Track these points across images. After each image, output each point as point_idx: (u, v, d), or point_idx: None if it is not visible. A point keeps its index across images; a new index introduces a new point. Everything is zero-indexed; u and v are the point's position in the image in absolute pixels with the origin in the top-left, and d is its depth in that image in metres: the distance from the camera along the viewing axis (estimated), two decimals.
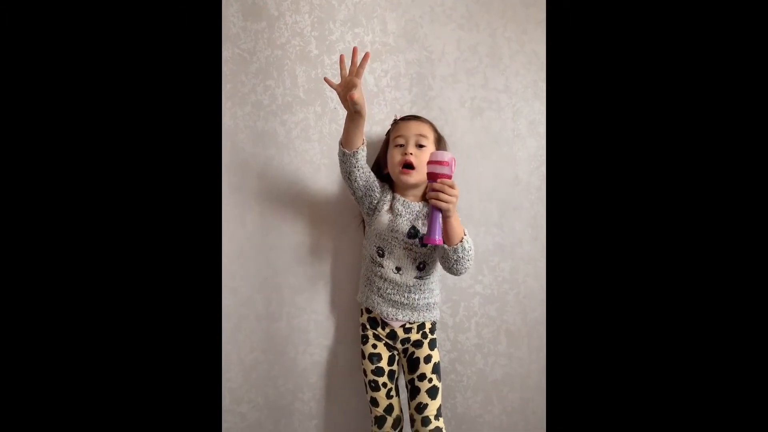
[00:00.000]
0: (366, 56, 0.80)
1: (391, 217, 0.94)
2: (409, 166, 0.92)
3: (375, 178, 0.95)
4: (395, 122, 1.00)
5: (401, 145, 0.94)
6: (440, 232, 0.82)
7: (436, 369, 0.97)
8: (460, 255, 0.85)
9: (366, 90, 1.06)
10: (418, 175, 0.92)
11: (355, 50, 0.81)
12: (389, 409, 0.98)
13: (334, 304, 1.13)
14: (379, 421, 0.97)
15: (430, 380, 0.95)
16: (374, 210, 0.96)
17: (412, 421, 0.94)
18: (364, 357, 1.00)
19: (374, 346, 0.99)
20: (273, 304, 1.12)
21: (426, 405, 0.93)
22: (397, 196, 0.96)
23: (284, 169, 1.10)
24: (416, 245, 0.93)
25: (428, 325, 0.99)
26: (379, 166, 1.01)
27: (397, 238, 0.93)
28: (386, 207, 0.95)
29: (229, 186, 1.10)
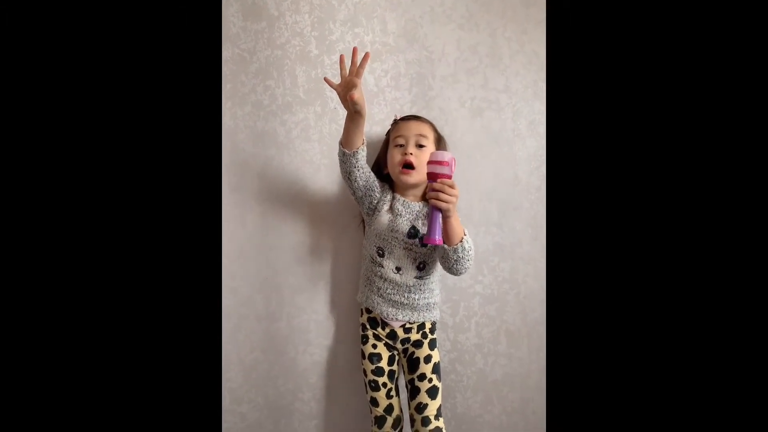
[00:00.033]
0: (366, 56, 0.80)
1: (391, 217, 0.94)
2: (409, 166, 0.92)
3: (375, 178, 0.95)
4: (395, 122, 1.00)
5: (401, 145, 0.94)
6: (440, 232, 0.82)
7: (436, 369, 0.97)
8: (460, 255, 0.85)
9: (366, 90, 1.06)
10: (418, 175, 0.92)
11: (355, 50, 0.81)
12: (389, 409, 0.98)
13: (334, 304, 1.13)
14: (379, 421, 0.97)
15: (430, 380, 0.95)
16: (374, 210, 0.96)
17: (412, 421, 0.94)
18: (364, 357, 1.00)
19: (374, 346, 0.99)
20: (273, 304, 1.12)
21: (426, 405, 0.93)
22: (397, 196, 0.96)
23: (284, 169, 1.10)
24: (416, 245, 0.93)
25: (428, 325, 0.99)
26: (379, 166, 1.01)
27: (397, 238, 0.93)
28: (386, 207, 0.95)
29: (229, 186, 1.10)
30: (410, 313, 0.96)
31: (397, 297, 0.95)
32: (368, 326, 1.00)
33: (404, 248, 0.93)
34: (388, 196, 0.96)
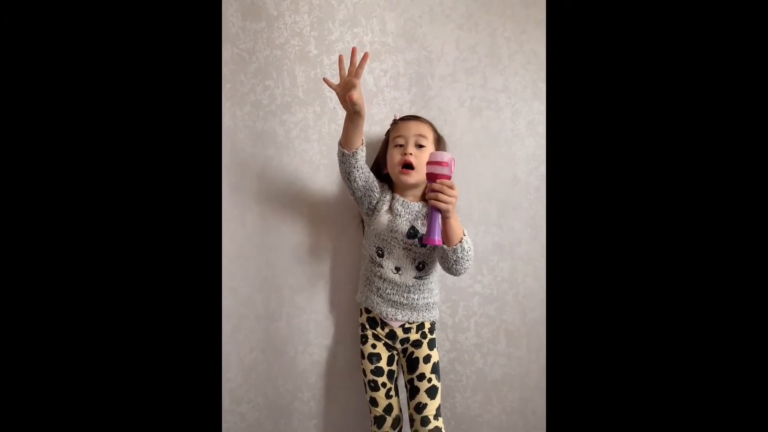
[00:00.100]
0: (365, 56, 0.80)
1: (391, 218, 0.94)
2: (408, 166, 0.92)
3: (374, 179, 0.95)
4: (394, 122, 1.00)
5: (401, 145, 0.94)
6: (439, 233, 0.82)
7: (435, 369, 0.97)
8: (460, 255, 0.85)
9: (365, 90, 1.06)
10: (418, 175, 0.92)
11: (354, 50, 0.81)
12: (388, 409, 0.98)
13: (334, 304, 1.13)
14: (379, 421, 0.97)
15: (430, 380, 0.95)
16: (373, 210, 0.96)
17: (412, 421, 0.95)
18: (363, 357, 1.00)
19: (374, 346, 0.99)
20: (272, 304, 1.12)
21: (425, 405, 0.93)
22: (397, 196, 0.96)
23: (283, 169, 1.10)
24: (415, 245, 0.93)
25: (427, 325, 0.99)
26: (379, 167, 1.01)
27: (396, 238, 0.93)
28: (385, 207, 0.95)
29: (229, 186, 1.10)
30: (409, 313, 0.96)
31: (397, 297, 0.95)
32: (368, 326, 1.00)
33: (403, 248, 0.93)
34: (388, 197, 0.96)
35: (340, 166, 0.92)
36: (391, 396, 0.99)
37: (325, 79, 0.85)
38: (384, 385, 0.98)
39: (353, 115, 0.83)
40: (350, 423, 1.14)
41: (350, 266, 1.11)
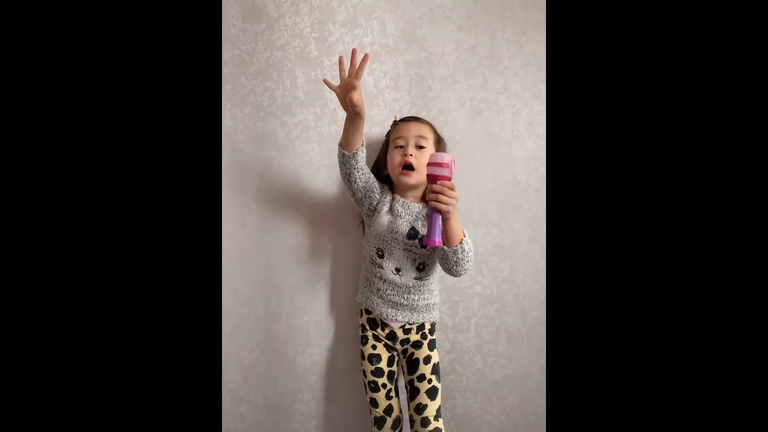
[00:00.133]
0: (365, 58, 0.80)
1: (391, 218, 0.94)
2: (408, 167, 0.92)
3: (374, 180, 0.95)
4: (395, 123, 1.00)
5: (401, 147, 0.94)
6: (440, 234, 0.82)
7: (435, 370, 0.97)
8: (460, 256, 0.85)
9: (365, 91, 1.07)
10: (418, 176, 0.92)
11: (354, 52, 0.82)
12: (389, 410, 0.98)
13: (334, 305, 1.13)
14: (379, 422, 0.97)
15: (430, 381, 0.95)
16: (374, 211, 0.96)
17: (412, 422, 0.94)
18: (363, 358, 1.00)
19: (374, 347, 0.99)
20: (273, 304, 1.12)
21: (425, 406, 0.93)
22: (397, 197, 0.96)
23: (284, 170, 1.11)
24: (416, 246, 0.93)
25: (428, 326, 0.99)
26: (379, 168, 1.01)
27: (396, 239, 0.93)
28: (386, 208, 0.95)
29: (229, 187, 1.10)
30: (410, 314, 0.96)
31: (397, 298, 0.95)
32: (368, 327, 1.00)
33: (404, 249, 0.93)
34: (388, 197, 0.96)
35: (340, 167, 0.92)
36: (392, 397, 0.99)
37: (325, 81, 0.86)
38: (384, 386, 0.98)
39: (353, 116, 0.83)
40: (350, 424, 1.14)
41: (350, 267, 1.11)
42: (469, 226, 1.08)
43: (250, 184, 1.11)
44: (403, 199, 0.95)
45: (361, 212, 1.00)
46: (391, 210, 0.95)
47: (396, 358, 1.01)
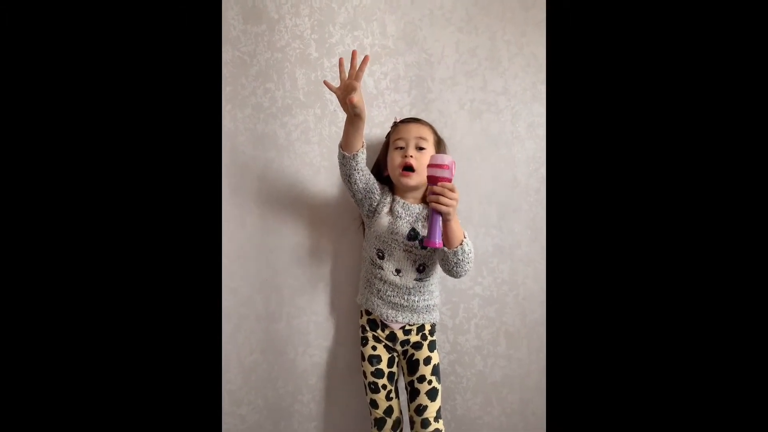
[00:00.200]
0: (365, 59, 0.80)
1: (391, 220, 0.94)
2: (409, 168, 0.92)
3: (375, 181, 0.95)
4: (395, 125, 1.01)
5: (401, 148, 0.94)
6: (440, 235, 0.82)
7: (435, 371, 0.97)
8: (460, 258, 0.85)
9: (365, 92, 1.07)
10: (418, 178, 0.92)
11: (354, 53, 0.82)
12: (389, 411, 0.98)
13: (334, 306, 1.13)
14: (379, 423, 0.97)
15: (430, 382, 0.96)
16: (374, 212, 0.96)
17: (412, 423, 0.95)
18: (363, 359, 1.00)
19: (374, 348, 1.00)
20: (273, 305, 1.12)
21: (426, 407, 0.93)
22: (397, 198, 0.96)
23: (284, 172, 1.11)
24: (416, 247, 0.93)
25: (428, 327, 0.99)
26: (379, 169, 1.01)
27: (396, 240, 0.93)
28: (386, 209, 0.95)
29: (230, 188, 1.10)
30: (410, 315, 0.96)
31: (397, 299, 0.95)
32: (368, 328, 1.00)
33: (404, 250, 0.94)
34: (388, 199, 0.96)
35: (340, 168, 0.92)
36: (392, 398, 0.99)
37: (325, 82, 0.86)
38: (384, 387, 0.98)
39: (354, 117, 0.83)
40: (350, 425, 1.14)
41: (351, 268, 1.11)
42: (469, 227, 1.09)
43: (251, 185, 1.11)
44: (403, 201, 0.95)
45: (362, 213, 1.00)
46: (391, 211, 0.95)
47: (396, 359, 1.01)
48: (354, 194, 0.94)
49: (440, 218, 0.81)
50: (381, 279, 0.96)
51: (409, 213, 0.94)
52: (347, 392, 1.13)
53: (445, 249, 0.85)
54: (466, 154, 1.10)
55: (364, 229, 1.04)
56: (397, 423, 0.99)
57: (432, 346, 0.99)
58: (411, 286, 0.95)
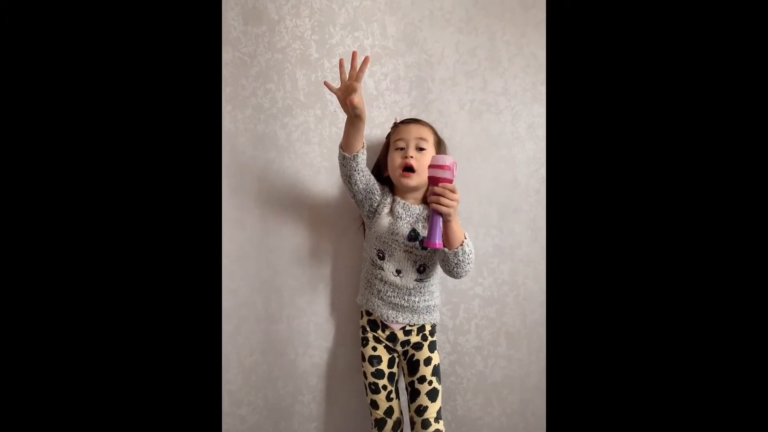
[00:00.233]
0: (366, 60, 0.80)
1: (392, 220, 0.94)
2: (409, 169, 0.92)
3: (375, 181, 0.95)
4: (395, 125, 1.01)
5: (401, 148, 0.94)
6: (441, 236, 0.82)
7: (436, 371, 0.97)
8: (461, 258, 0.85)
9: (366, 93, 1.07)
10: (419, 178, 0.92)
11: (354, 54, 0.82)
12: (389, 411, 0.98)
13: (334, 307, 1.13)
14: (380, 423, 0.97)
15: (430, 382, 0.96)
16: (374, 213, 0.96)
17: (412, 423, 0.95)
18: (364, 359, 1.00)
19: (374, 349, 1.00)
20: (273, 305, 1.12)
21: (426, 407, 0.93)
22: (398, 198, 0.96)
23: (284, 172, 1.11)
24: (416, 248, 0.93)
25: (428, 328, 0.99)
26: (380, 169, 1.01)
27: (397, 240, 0.93)
28: (386, 210, 0.95)
29: (230, 188, 1.10)
30: (410, 315, 0.96)
31: (398, 300, 0.95)
32: (368, 328, 1.00)
33: (404, 251, 0.94)
34: (389, 199, 0.96)
35: (341, 169, 0.92)
36: (392, 399, 0.99)
37: (326, 83, 0.86)
38: (385, 387, 0.98)
39: (354, 118, 0.83)
40: (351, 425, 1.14)
41: (351, 268, 1.12)
42: (470, 228, 1.09)
43: (251, 186, 1.11)
44: (403, 201, 0.95)
45: (362, 214, 1.00)
46: (391, 212, 0.95)
47: (396, 360, 1.01)
48: (354, 195, 0.94)
49: (441, 219, 0.81)
50: (381, 279, 0.96)
51: (409, 214, 0.94)
52: (347, 393, 1.13)
53: (446, 250, 0.85)
54: (466, 155, 1.10)
55: (364, 230, 1.04)
56: (398, 424, 0.99)
57: (432, 347, 0.99)
58: (411, 287, 0.95)
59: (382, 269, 0.95)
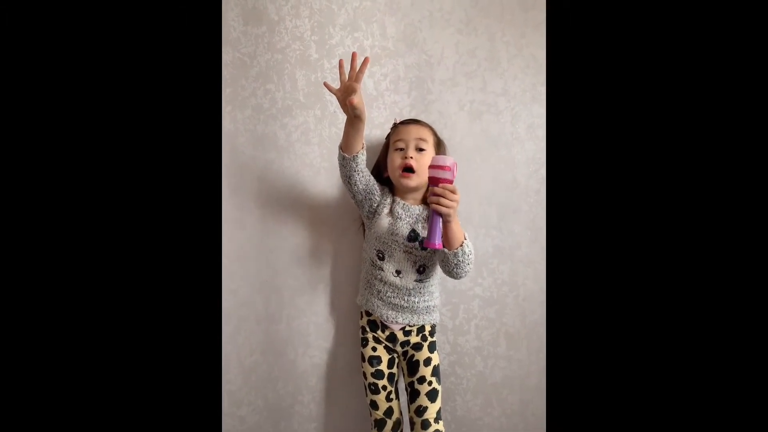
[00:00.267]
0: (365, 61, 0.80)
1: (391, 221, 0.94)
2: (409, 169, 0.92)
3: (375, 182, 0.95)
4: (395, 126, 1.01)
5: (401, 149, 0.94)
6: (440, 237, 0.82)
7: (435, 372, 0.97)
8: (461, 259, 0.85)
9: (365, 94, 1.07)
10: (418, 179, 0.92)
11: (354, 55, 0.82)
12: (389, 412, 0.98)
13: (334, 307, 1.13)
14: (379, 424, 0.97)
15: (430, 383, 0.96)
16: (374, 213, 0.96)
17: (412, 424, 0.95)
18: (363, 360, 1.00)
19: (374, 349, 1.00)
20: (273, 306, 1.12)
21: (426, 408, 0.93)
22: (397, 199, 0.96)
23: (284, 173, 1.11)
24: (416, 248, 0.93)
25: (428, 328, 0.99)
26: (379, 170, 1.01)
27: (397, 241, 0.93)
28: (386, 210, 0.95)
29: (230, 188, 1.10)
30: (410, 316, 0.96)
31: (397, 300, 0.95)
32: (368, 329, 1.00)
33: (404, 251, 0.94)
34: (388, 200, 0.96)
35: (340, 169, 0.92)
36: (392, 399, 0.99)
37: (325, 84, 0.86)
38: (384, 388, 0.98)
39: (354, 119, 0.83)
40: (351, 426, 1.14)
41: (351, 269, 1.12)
42: (469, 228, 1.09)
43: (251, 186, 1.11)
44: (403, 202, 0.96)
45: (362, 214, 1.00)
46: (391, 212, 0.95)
47: (396, 360, 1.01)
48: (354, 195, 0.94)
49: (440, 219, 0.81)
50: (381, 280, 0.96)
51: (409, 214, 0.94)
52: (347, 393, 1.12)
53: (446, 250, 0.85)
54: (466, 155, 1.10)
55: (364, 230, 1.04)
56: (398, 424, 0.99)
57: (432, 347, 0.99)
58: (411, 287, 0.95)
59: (382, 270, 0.95)
